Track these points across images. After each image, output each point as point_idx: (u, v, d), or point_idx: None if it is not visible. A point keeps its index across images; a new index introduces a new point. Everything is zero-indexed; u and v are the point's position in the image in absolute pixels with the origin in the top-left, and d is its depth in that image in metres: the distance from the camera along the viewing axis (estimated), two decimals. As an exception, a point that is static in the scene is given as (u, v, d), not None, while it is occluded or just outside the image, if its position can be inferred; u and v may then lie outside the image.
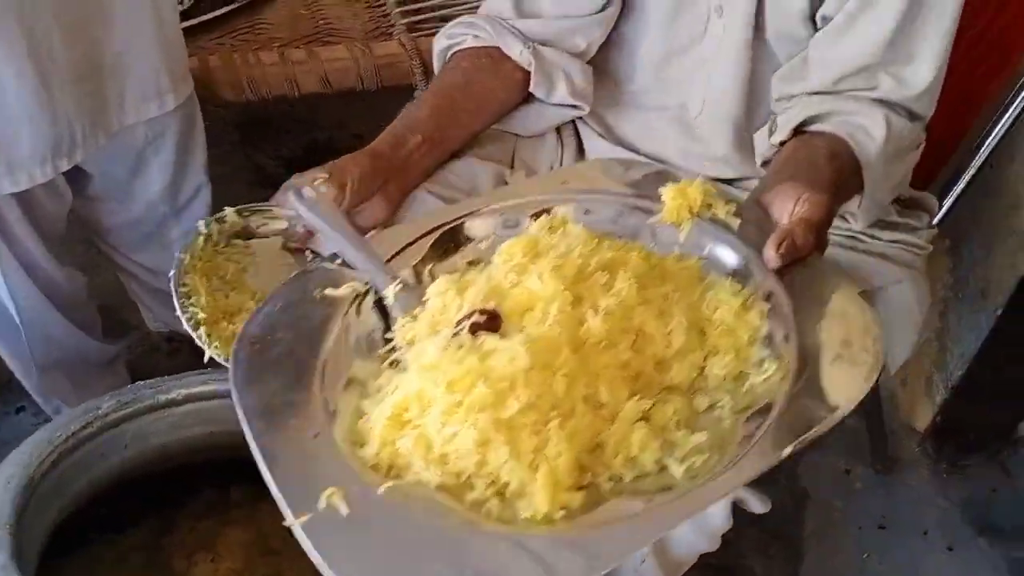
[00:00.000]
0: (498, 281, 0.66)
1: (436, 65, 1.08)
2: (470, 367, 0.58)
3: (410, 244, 0.75)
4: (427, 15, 1.63)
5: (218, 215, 0.88)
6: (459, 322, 0.62)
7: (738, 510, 1.00)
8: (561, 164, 1.09)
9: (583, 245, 0.70)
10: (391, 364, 0.65)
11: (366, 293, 0.70)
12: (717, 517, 0.97)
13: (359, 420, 0.61)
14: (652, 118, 1.05)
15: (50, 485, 0.81)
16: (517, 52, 0.99)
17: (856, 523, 1.44)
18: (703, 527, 0.98)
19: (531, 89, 1.01)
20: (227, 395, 0.90)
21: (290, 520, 0.53)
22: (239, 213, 0.86)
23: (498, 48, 1.00)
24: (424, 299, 0.67)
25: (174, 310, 0.86)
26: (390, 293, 0.69)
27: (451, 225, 0.77)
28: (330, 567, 0.51)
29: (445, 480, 0.57)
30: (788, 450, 0.58)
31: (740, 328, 0.67)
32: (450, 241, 0.76)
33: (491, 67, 1.00)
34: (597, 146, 1.08)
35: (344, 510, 0.54)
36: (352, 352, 0.66)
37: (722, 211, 0.76)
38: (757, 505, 0.97)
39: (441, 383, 0.58)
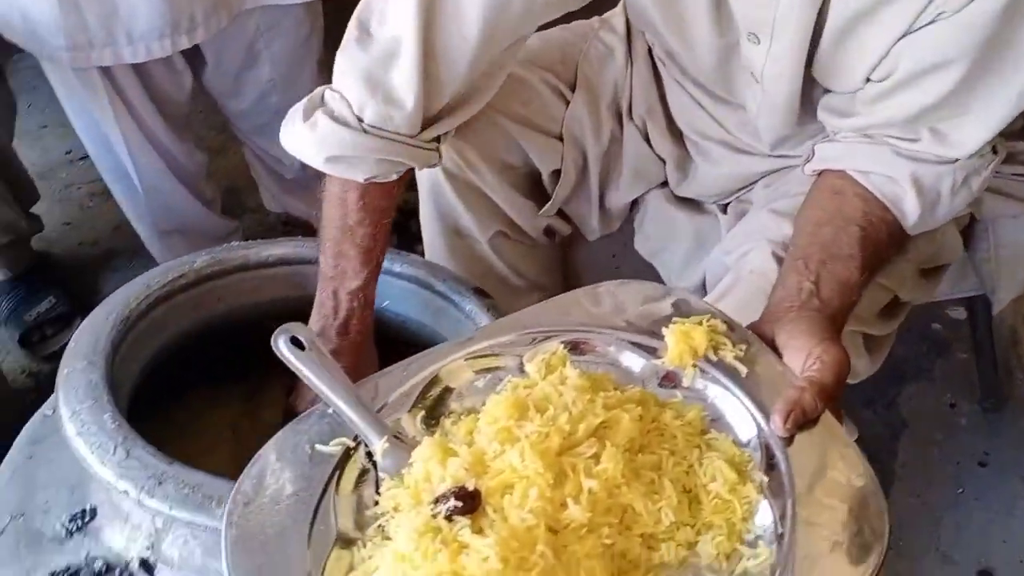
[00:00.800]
0: (481, 449, 0.63)
1: None
2: (441, 567, 0.56)
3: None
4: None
5: None
6: (436, 501, 0.60)
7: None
8: (630, 86, 1.02)
9: (575, 401, 0.65)
10: (378, 529, 0.63)
11: (357, 447, 0.67)
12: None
13: None
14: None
15: (145, 327, 0.88)
16: None
17: (955, 459, 1.39)
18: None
19: None
20: (316, 260, 0.97)
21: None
22: None
23: None
24: (411, 461, 0.64)
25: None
26: (379, 451, 0.66)
27: (446, 366, 0.73)
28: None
29: None
30: None
31: (736, 502, 0.62)
32: (443, 385, 0.72)
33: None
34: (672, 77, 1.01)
35: None
36: (342, 510, 0.64)
37: (730, 355, 0.70)
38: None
39: None
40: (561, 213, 1.06)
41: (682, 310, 0.76)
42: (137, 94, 1.25)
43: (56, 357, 1.56)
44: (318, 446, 0.67)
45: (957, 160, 0.78)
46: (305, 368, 0.70)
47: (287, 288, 0.98)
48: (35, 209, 1.63)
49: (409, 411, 0.70)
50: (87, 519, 0.80)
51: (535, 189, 1.04)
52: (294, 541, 0.61)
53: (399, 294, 0.98)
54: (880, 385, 1.47)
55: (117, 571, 0.76)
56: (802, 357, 0.68)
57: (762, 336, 0.71)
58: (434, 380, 0.72)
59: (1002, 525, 1.30)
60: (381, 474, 0.66)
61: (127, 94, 1.24)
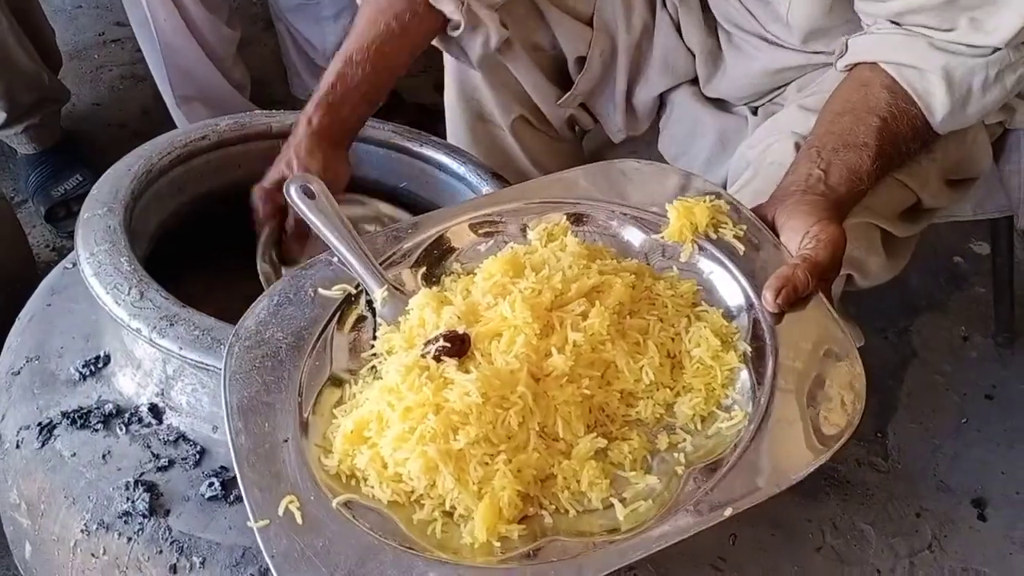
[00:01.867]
0: (475, 301, 0.65)
1: None
2: (425, 398, 0.59)
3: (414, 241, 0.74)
4: None
5: None
6: (427, 343, 0.62)
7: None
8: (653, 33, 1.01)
9: (571, 266, 0.67)
10: (370, 369, 0.65)
11: (358, 294, 0.69)
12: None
13: (330, 425, 0.63)
14: None
15: (165, 183, 0.89)
16: None
17: (962, 390, 1.39)
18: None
19: None
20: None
21: (252, 523, 0.56)
22: None
23: None
24: (408, 308, 0.66)
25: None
26: (378, 299, 0.68)
27: (451, 228, 0.75)
28: (277, 573, 0.54)
29: (397, 498, 0.58)
30: (721, 518, 0.56)
31: (716, 369, 0.64)
32: (446, 245, 0.74)
33: None
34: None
35: (299, 519, 0.56)
36: (338, 351, 0.67)
37: (730, 234, 0.71)
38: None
39: (398, 408, 0.59)
40: (586, 109, 1.05)
41: (688, 189, 0.77)
42: None
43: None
44: (321, 290, 0.69)
45: (993, 52, 0.77)
46: (313, 216, 0.72)
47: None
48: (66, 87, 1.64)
49: (411, 267, 0.72)
50: (100, 365, 0.83)
51: (563, 76, 1.03)
52: (289, 376, 0.64)
53: (417, 175, 0.98)
54: (893, 314, 1.47)
55: (126, 415, 0.79)
56: (799, 237, 0.69)
57: (763, 218, 0.72)
58: (438, 240, 0.74)
59: (1001, 457, 1.31)
60: (379, 320, 0.68)
61: None
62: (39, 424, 0.79)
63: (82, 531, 0.74)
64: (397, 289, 0.69)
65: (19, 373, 0.84)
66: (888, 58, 0.79)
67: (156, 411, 0.78)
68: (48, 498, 0.76)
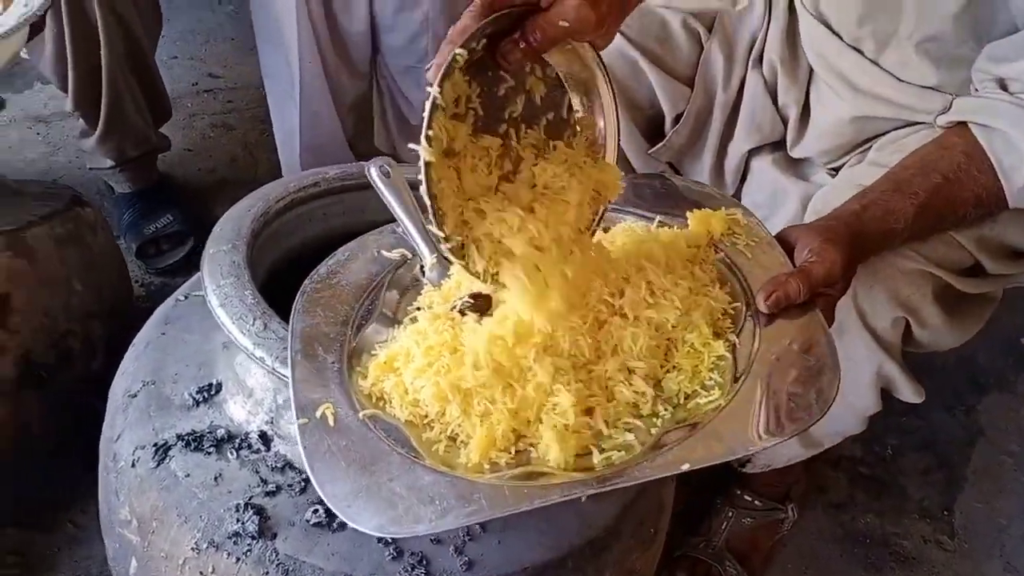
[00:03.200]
0: None
1: None
2: (444, 340, 0.72)
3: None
4: None
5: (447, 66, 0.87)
6: (456, 300, 0.75)
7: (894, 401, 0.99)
8: (766, 31, 1.05)
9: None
10: (411, 319, 0.78)
11: (413, 259, 0.84)
12: (864, 398, 0.97)
13: (371, 357, 0.75)
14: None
15: (279, 224, 0.95)
16: None
17: (1030, 472, 1.39)
18: (851, 406, 0.98)
19: None
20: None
21: (294, 420, 0.69)
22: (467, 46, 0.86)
23: None
24: (450, 274, 0.80)
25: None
26: (428, 264, 0.82)
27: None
28: (306, 459, 0.66)
29: (412, 418, 0.71)
30: (679, 470, 0.65)
31: (705, 354, 0.73)
32: None
33: None
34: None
35: (331, 423, 0.69)
36: (389, 301, 0.81)
37: (742, 243, 0.80)
38: (910, 392, 0.96)
39: (422, 346, 0.72)
40: (674, 168, 1.10)
41: (715, 203, 0.85)
42: (318, 2, 1.34)
43: (168, 272, 1.67)
44: (383, 251, 0.85)
45: None
46: (386, 191, 0.86)
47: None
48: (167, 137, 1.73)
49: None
50: (213, 392, 0.87)
51: (656, 132, 1.08)
52: (345, 315, 0.78)
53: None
54: (961, 391, 1.48)
55: (237, 440, 0.83)
56: (803, 252, 0.75)
57: (786, 237, 0.79)
58: None
59: (1070, 542, 1.30)
60: (425, 282, 0.81)
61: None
62: (155, 445, 0.83)
63: (192, 549, 0.78)
64: (444, 259, 0.79)
65: (136, 396, 0.89)
66: (986, 122, 0.82)
67: (265, 438, 0.83)
68: (160, 516, 0.80)
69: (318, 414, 0.69)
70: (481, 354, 0.69)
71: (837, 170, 1.06)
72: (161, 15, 1.53)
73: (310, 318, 0.77)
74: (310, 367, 0.73)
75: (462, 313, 0.74)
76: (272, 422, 0.83)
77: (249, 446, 0.83)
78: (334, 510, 0.63)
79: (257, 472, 0.81)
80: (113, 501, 0.86)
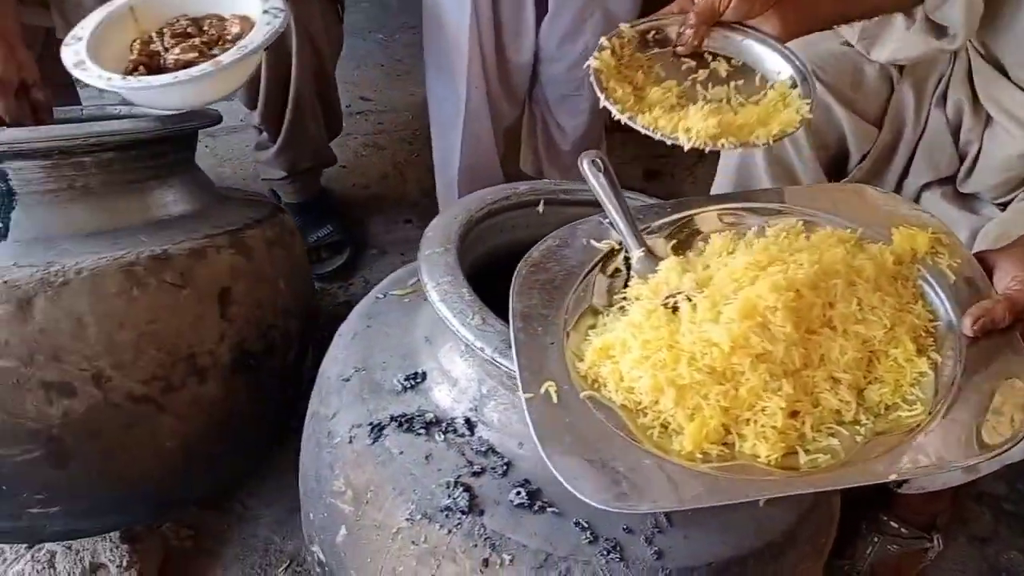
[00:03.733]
0: (709, 275, 0.83)
1: None
2: (661, 335, 0.78)
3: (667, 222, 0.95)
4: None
5: (615, 32, 0.99)
6: (668, 297, 0.81)
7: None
8: (951, 70, 1.10)
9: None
10: (619, 308, 0.84)
11: (618, 250, 0.91)
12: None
13: (583, 341, 0.82)
14: None
15: (480, 230, 1.03)
16: None
17: None
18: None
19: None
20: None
21: (520, 394, 0.75)
22: (633, 27, 1.00)
23: None
24: (657, 269, 0.86)
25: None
26: (635, 257, 0.89)
27: (701, 213, 0.95)
28: (535, 430, 0.73)
29: (627, 404, 0.77)
30: (886, 479, 0.70)
31: (907, 369, 0.76)
32: (694, 227, 0.94)
33: None
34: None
35: (555, 399, 0.75)
36: (597, 289, 0.88)
37: (944, 263, 0.83)
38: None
39: (639, 339, 0.78)
40: None
41: (916, 220, 0.89)
42: (488, 26, 1.44)
43: (328, 278, 1.78)
44: (592, 241, 0.92)
45: None
46: (597, 184, 0.94)
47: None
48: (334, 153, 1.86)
49: (664, 237, 0.92)
50: (418, 380, 0.95)
51: (838, 171, 1.13)
52: (560, 298, 0.85)
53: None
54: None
55: (443, 424, 0.91)
56: (1008, 278, 0.78)
57: (984, 260, 0.82)
58: (689, 221, 0.94)
59: None
60: (632, 273, 0.88)
61: (482, 22, 1.43)
62: (371, 424, 0.92)
63: (406, 520, 0.85)
64: (651, 253, 0.88)
65: (349, 380, 0.98)
66: None
67: (469, 424, 0.90)
68: (376, 489, 0.88)
69: (542, 390, 0.76)
70: (698, 357, 0.75)
71: (1004, 205, 1.09)
72: (342, 32, 1.64)
73: (527, 299, 0.84)
74: (531, 345, 0.80)
75: (674, 310, 0.80)
76: (476, 409, 0.90)
77: (455, 430, 0.90)
78: (563, 481, 0.70)
79: (463, 454, 0.88)
80: (326, 473, 0.94)
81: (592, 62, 0.92)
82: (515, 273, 0.87)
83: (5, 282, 0.99)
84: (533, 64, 1.60)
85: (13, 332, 0.99)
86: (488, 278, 1.07)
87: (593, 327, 0.83)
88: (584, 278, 0.88)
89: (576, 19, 1.47)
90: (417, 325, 1.01)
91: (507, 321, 0.87)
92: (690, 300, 0.80)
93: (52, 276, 1.01)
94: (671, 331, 0.78)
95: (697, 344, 0.76)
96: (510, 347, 0.83)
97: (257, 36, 1.18)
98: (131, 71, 1.22)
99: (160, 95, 1.17)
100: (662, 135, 0.89)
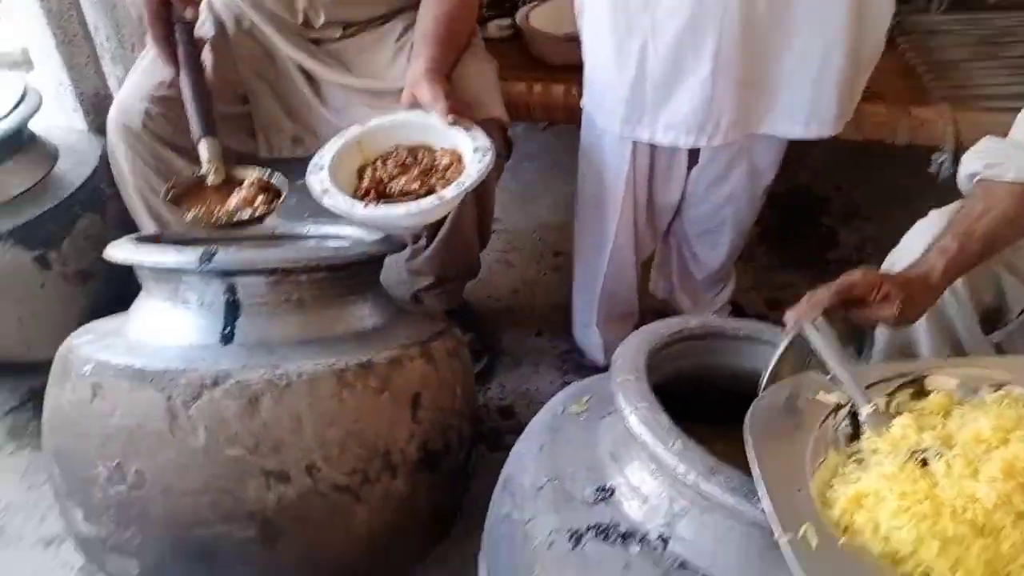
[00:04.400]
0: (951, 432, 0.89)
1: (962, 186, 1.22)
2: (919, 488, 0.82)
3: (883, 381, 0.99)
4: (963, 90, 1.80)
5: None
6: (914, 452, 0.86)
7: None
8: None
9: None
10: (856, 460, 0.89)
11: (846, 406, 0.96)
12: None
13: (827, 489, 0.86)
14: None
15: (659, 358, 1.12)
16: None
17: None
18: None
19: None
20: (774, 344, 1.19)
21: (778, 534, 0.80)
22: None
23: None
24: (890, 425, 0.91)
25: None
26: (864, 412, 0.94)
27: (921, 375, 1.00)
28: (801, 570, 0.77)
29: (884, 552, 0.80)
30: None
31: None
32: (917, 385, 0.99)
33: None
34: None
35: (814, 543, 0.80)
36: (828, 441, 0.93)
37: None
38: None
39: (895, 490, 0.82)
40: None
41: None
42: (642, 178, 1.57)
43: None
44: (820, 395, 0.97)
45: None
46: (820, 343, 0.99)
47: (745, 359, 1.21)
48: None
49: (887, 394, 0.97)
50: (608, 494, 1.03)
51: (990, 325, 1.21)
52: (798, 446, 0.90)
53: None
54: None
55: (637, 536, 0.98)
56: None
57: None
58: (916, 379, 0.99)
59: None
60: (863, 427, 0.92)
61: (639, 176, 1.56)
62: (569, 531, 1.00)
63: (612, 628, 0.92)
64: (879, 410, 0.94)
65: (542, 488, 1.06)
66: None
67: (663, 539, 0.97)
68: (580, 594, 0.96)
69: (800, 533, 0.80)
70: (958, 511, 0.80)
71: None
72: (510, 153, 1.72)
73: (767, 446, 0.90)
74: (779, 490, 0.85)
75: (923, 463, 0.86)
76: (668, 525, 0.97)
77: (648, 543, 0.97)
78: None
79: (658, 566, 0.95)
80: (525, 574, 1.02)
81: None
82: (748, 420, 0.93)
83: (238, 382, 1.12)
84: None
85: (243, 425, 1.11)
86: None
87: (833, 478, 0.88)
88: (817, 429, 0.93)
89: (723, 169, 1.60)
90: (600, 441, 1.10)
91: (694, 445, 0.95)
92: (941, 456, 0.85)
93: (277, 379, 1.13)
94: (928, 484, 0.83)
95: (958, 499, 0.80)
96: (713, 472, 0.92)
97: (472, 173, 1.33)
98: (362, 196, 1.38)
99: (394, 221, 1.33)
100: None
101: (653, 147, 1.53)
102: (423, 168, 1.40)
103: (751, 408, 0.94)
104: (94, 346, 1.22)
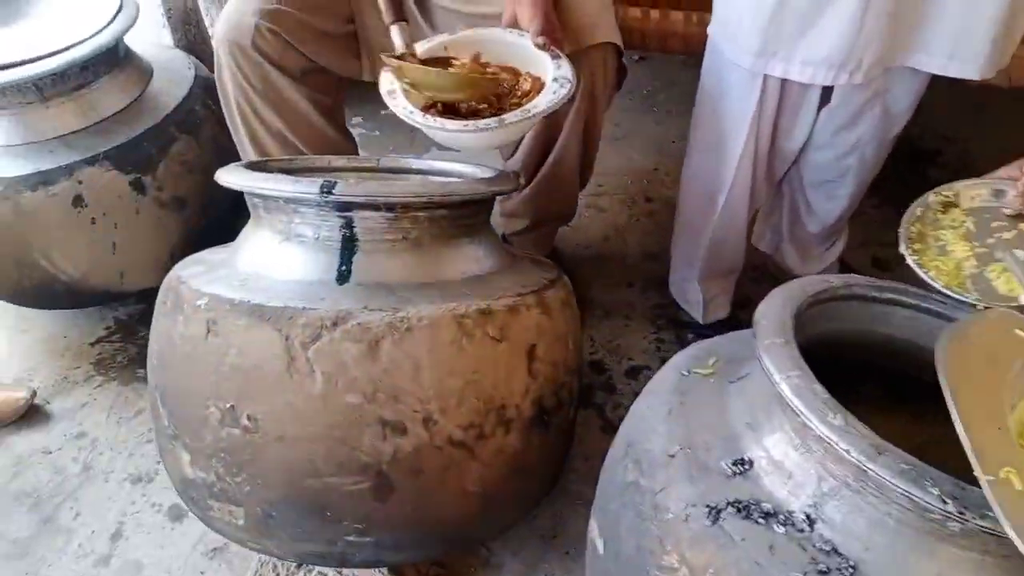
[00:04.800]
0: None
1: None
2: None
3: None
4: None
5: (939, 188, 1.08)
6: None
7: None
8: None
9: None
10: None
11: None
12: None
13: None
14: None
15: (801, 320, 1.04)
16: None
17: None
18: None
19: None
20: (932, 312, 1.11)
21: (979, 474, 0.75)
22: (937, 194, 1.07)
23: None
24: None
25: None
26: None
27: None
28: (1004, 517, 0.72)
29: None
30: None
31: None
32: None
33: None
34: None
35: (1017, 486, 0.74)
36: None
37: None
38: None
39: None
40: None
41: None
42: (770, 115, 1.47)
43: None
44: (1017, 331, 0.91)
45: None
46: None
47: (891, 326, 1.13)
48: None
49: None
50: (746, 467, 0.98)
51: None
52: (994, 379, 0.84)
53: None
54: None
55: (781, 516, 0.92)
56: None
57: None
58: None
59: None
60: None
61: (764, 112, 1.46)
62: (707, 505, 0.94)
63: (751, 607, 0.87)
64: None
65: (674, 456, 1.01)
66: None
67: (809, 520, 0.91)
68: (717, 571, 0.90)
69: (1001, 474, 0.75)
70: None
71: None
72: (622, 79, 1.63)
73: (957, 382, 0.84)
74: (980, 428, 0.79)
75: None
76: (815, 506, 0.91)
77: (793, 524, 0.92)
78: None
79: (805, 550, 0.90)
80: (653, 546, 0.97)
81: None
82: (938, 352, 0.87)
83: (359, 324, 1.07)
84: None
85: (362, 370, 1.06)
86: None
87: None
88: (1011, 368, 0.87)
89: (855, 112, 1.49)
90: (733, 408, 1.04)
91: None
92: None
93: (398, 322, 1.08)
94: None
95: None
96: (879, 451, 0.85)
97: (541, 102, 1.25)
98: (428, 107, 1.31)
99: (448, 137, 1.26)
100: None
101: (784, 84, 1.43)
102: (500, 91, 1.31)
103: (941, 340, 0.88)
104: (205, 277, 1.17)
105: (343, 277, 1.14)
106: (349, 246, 1.15)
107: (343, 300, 1.10)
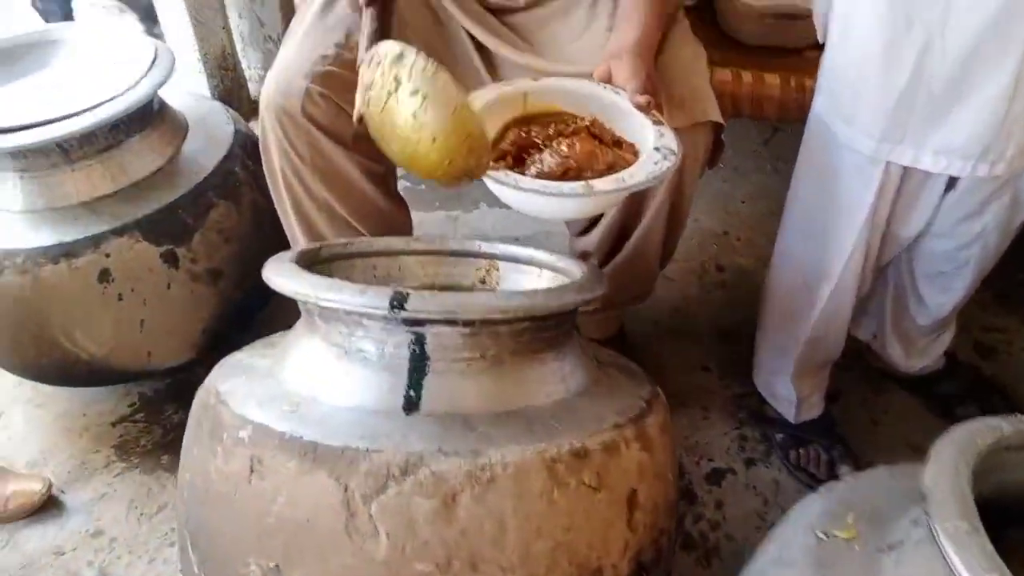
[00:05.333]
0: None
1: None
2: None
3: None
4: None
5: None
6: None
7: None
8: None
9: None
10: None
11: None
12: None
13: None
14: None
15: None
16: None
17: None
18: None
19: None
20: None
21: None
22: None
23: None
24: None
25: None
26: None
27: None
28: None
29: None
30: None
31: None
32: None
33: None
34: None
35: None
36: None
37: None
38: None
39: None
40: None
41: None
42: (888, 202, 1.30)
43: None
44: None
45: None
46: None
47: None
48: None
49: None
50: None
51: None
52: None
53: None
54: None
55: None
56: None
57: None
58: None
59: None
60: None
61: (882, 199, 1.29)
62: None
63: None
64: None
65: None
66: None
67: None
68: None
69: None
70: None
71: None
72: (719, 156, 1.44)
73: None
74: None
75: None
76: None
77: None
78: None
79: None
80: None
81: None
82: None
83: (433, 473, 0.89)
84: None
85: (435, 532, 0.88)
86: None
87: None
88: None
89: (983, 200, 1.31)
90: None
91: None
92: None
93: (479, 471, 0.90)
94: None
95: None
96: None
97: (639, 173, 1.06)
98: (498, 157, 1.11)
99: (516, 197, 1.06)
100: None
101: (906, 168, 1.24)
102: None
103: None
104: (248, 397, 1.00)
105: (412, 405, 0.96)
106: (419, 366, 0.97)
107: (412, 438, 0.92)
